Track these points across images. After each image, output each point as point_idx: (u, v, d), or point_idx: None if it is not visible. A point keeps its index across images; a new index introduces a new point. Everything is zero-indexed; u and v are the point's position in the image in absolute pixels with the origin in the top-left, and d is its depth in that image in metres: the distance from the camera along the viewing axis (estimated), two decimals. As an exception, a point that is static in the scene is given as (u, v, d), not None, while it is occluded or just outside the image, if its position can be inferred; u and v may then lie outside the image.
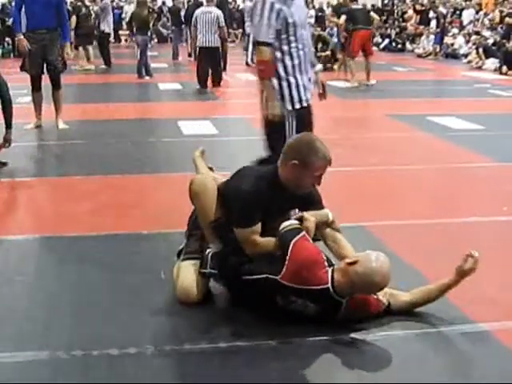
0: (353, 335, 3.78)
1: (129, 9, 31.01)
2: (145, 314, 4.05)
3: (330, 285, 3.78)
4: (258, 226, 4.03)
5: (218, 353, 3.61)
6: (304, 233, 3.97)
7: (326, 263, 3.88)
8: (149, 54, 18.04)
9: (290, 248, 3.87)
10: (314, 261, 3.87)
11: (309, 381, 3.41)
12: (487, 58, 21.38)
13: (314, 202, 4.25)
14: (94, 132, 10.13)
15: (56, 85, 10.17)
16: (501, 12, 25.70)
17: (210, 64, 15.59)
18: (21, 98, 11.65)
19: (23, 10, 9.76)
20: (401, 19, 31.80)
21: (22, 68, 10.30)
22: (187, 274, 4.20)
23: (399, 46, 29.37)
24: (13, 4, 9.86)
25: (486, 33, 24.40)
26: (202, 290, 4.18)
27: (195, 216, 4.44)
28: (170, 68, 21.43)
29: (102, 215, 6.04)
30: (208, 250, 4.25)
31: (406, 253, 4.97)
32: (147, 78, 17.55)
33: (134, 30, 18.25)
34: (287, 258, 3.86)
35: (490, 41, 22.93)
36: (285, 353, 3.62)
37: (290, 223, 4.02)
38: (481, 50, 22.02)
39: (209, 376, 3.42)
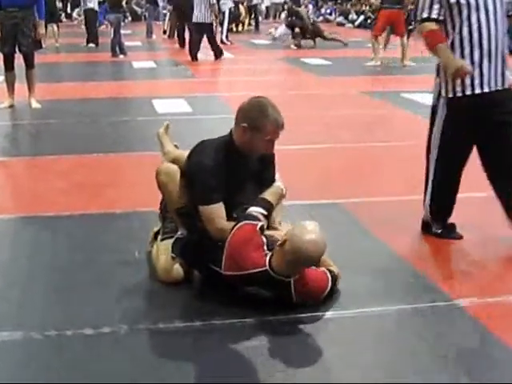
0: (326, 312, 3.80)
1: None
2: (119, 293, 4.04)
3: (268, 267, 3.67)
4: (222, 210, 3.98)
5: (192, 331, 3.61)
6: (258, 222, 3.86)
7: (266, 247, 3.77)
8: (122, 32, 17.90)
9: (231, 234, 3.82)
10: (246, 241, 3.77)
11: (281, 358, 3.41)
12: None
13: (270, 178, 4.21)
14: (67, 111, 10.05)
15: (29, 64, 10.10)
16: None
17: (208, 39, 16.43)
18: (-7, 78, 11.54)
19: None
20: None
21: (-5, 46, 10.20)
22: (167, 253, 4.19)
23: (374, 23, 29.26)
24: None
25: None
26: (183, 269, 4.15)
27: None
28: (144, 46, 21.31)
29: (76, 195, 6.00)
30: (177, 234, 4.25)
31: (379, 230, 4.99)
32: (121, 56, 17.45)
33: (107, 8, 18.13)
34: (226, 245, 3.81)
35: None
36: (258, 331, 3.62)
37: (254, 209, 3.96)
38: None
39: (183, 354, 3.43)
